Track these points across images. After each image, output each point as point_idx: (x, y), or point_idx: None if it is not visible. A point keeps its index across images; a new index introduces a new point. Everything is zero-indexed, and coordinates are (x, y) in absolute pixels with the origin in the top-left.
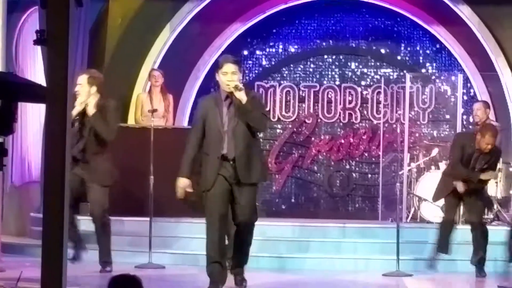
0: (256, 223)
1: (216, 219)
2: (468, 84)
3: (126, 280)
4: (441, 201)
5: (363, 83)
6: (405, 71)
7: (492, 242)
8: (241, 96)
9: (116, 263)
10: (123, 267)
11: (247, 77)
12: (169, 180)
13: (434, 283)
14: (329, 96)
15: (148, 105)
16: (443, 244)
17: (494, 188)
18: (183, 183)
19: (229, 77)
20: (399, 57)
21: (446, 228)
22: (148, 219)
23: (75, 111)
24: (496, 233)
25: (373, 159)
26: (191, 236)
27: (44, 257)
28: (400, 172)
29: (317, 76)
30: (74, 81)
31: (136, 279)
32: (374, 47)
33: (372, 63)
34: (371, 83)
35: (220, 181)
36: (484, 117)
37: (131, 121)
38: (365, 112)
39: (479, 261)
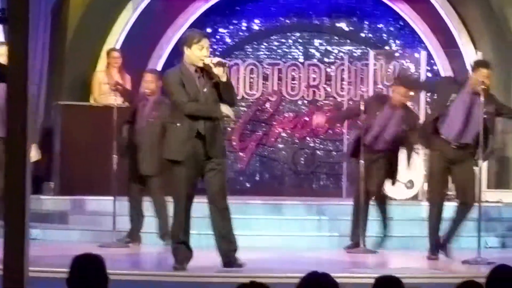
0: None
1: (183, 197)
2: (432, 61)
3: (89, 259)
4: (405, 177)
5: (326, 60)
6: (368, 48)
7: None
8: (221, 72)
9: (79, 242)
10: (86, 246)
11: (210, 55)
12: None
13: (397, 259)
14: (293, 73)
15: (106, 84)
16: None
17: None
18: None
19: (205, 52)
20: (362, 35)
21: None
22: (112, 198)
23: None
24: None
25: (338, 136)
26: (154, 215)
27: (6, 237)
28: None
29: (281, 54)
30: None
31: (98, 258)
32: (337, 25)
33: (336, 41)
34: (335, 61)
35: (191, 157)
36: None
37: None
38: (329, 90)
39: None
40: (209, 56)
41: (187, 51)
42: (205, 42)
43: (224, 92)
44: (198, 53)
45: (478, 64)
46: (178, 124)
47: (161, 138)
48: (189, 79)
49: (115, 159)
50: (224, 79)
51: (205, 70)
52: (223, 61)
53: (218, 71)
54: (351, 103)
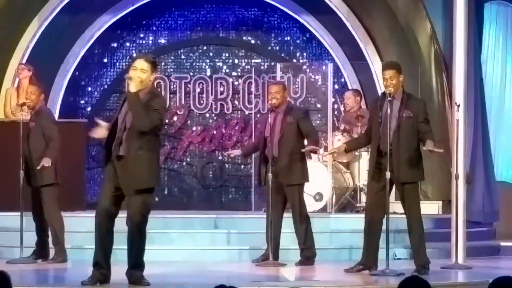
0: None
1: (101, 214)
2: (339, 73)
3: None
4: (314, 190)
5: (234, 73)
6: (275, 61)
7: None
8: (131, 87)
9: None
10: None
11: (117, 69)
12: None
13: (307, 271)
14: (201, 87)
15: (15, 99)
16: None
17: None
18: None
19: (136, 73)
20: (269, 47)
21: None
22: (19, 213)
23: None
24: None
25: None
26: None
27: None
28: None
29: (188, 67)
30: None
31: (4, 274)
32: (244, 38)
33: (243, 54)
34: (242, 74)
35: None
36: (355, 105)
37: (0, 116)
38: (237, 103)
39: None
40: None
41: None
42: (137, 63)
43: (129, 107)
44: (130, 73)
45: (382, 68)
46: None
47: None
48: (121, 100)
49: (22, 174)
50: (131, 88)
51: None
52: (131, 76)
53: (130, 86)
54: (258, 115)
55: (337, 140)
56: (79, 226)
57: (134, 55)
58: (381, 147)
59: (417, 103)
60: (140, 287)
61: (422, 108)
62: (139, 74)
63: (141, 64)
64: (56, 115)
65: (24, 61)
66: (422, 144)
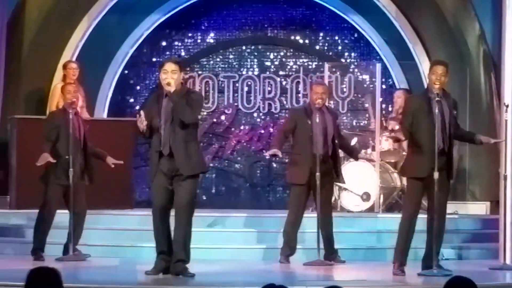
0: None
1: (156, 210)
2: (387, 73)
3: (45, 272)
4: (361, 190)
5: (281, 73)
6: (323, 61)
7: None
8: (170, 89)
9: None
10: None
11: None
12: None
13: (355, 271)
14: (248, 86)
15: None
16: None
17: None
18: None
19: (169, 75)
20: (317, 47)
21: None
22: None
23: None
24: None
25: None
26: (113, 228)
27: None
28: None
29: (236, 67)
30: None
31: (54, 271)
32: (292, 37)
33: (291, 53)
34: (290, 73)
35: (160, 175)
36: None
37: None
38: (285, 102)
39: None
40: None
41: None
42: (168, 66)
43: (174, 107)
44: (163, 76)
45: (432, 64)
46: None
47: None
48: (157, 102)
49: (71, 172)
50: (171, 90)
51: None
52: (171, 82)
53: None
54: None
55: (384, 140)
56: (130, 224)
57: (183, 53)
58: (437, 146)
59: (453, 101)
60: (185, 278)
61: (455, 106)
62: (172, 76)
63: (170, 67)
64: (105, 114)
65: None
66: (461, 140)
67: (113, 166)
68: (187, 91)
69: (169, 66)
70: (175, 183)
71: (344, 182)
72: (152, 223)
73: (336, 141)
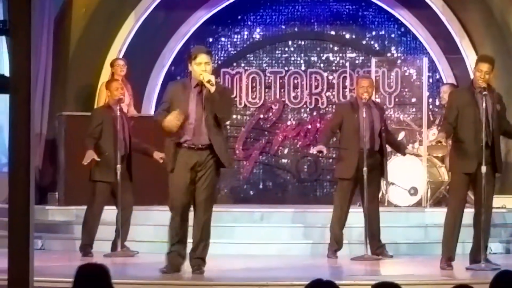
0: (225, 209)
1: (178, 206)
2: (434, 67)
3: (93, 269)
4: (409, 184)
5: (328, 68)
6: (370, 56)
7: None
8: (210, 88)
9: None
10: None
11: (212, 64)
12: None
13: (402, 266)
14: (295, 81)
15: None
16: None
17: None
18: None
19: (203, 67)
20: (364, 42)
21: None
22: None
23: None
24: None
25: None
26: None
27: (11, 247)
28: None
29: (283, 62)
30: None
31: (103, 267)
32: (339, 32)
33: (337, 48)
34: (337, 68)
35: (181, 168)
36: None
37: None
38: (332, 97)
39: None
40: (208, 75)
41: (190, 67)
42: (201, 58)
43: (210, 105)
44: (197, 68)
45: (477, 60)
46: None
47: None
48: (184, 91)
49: (119, 169)
50: (212, 90)
51: (204, 85)
52: (213, 81)
53: (208, 87)
54: None
55: (431, 135)
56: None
57: (230, 49)
58: (483, 140)
59: (500, 96)
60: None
61: (502, 102)
62: (206, 67)
63: (204, 58)
64: (152, 110)
65: (121, 57)
66: (507, 137)
67: (161, 161)
68: (219, 86)
69: (203, 58)
70: (201, 175)
71: (387, 178)
72: (171, 221)
73: (383, 135)
